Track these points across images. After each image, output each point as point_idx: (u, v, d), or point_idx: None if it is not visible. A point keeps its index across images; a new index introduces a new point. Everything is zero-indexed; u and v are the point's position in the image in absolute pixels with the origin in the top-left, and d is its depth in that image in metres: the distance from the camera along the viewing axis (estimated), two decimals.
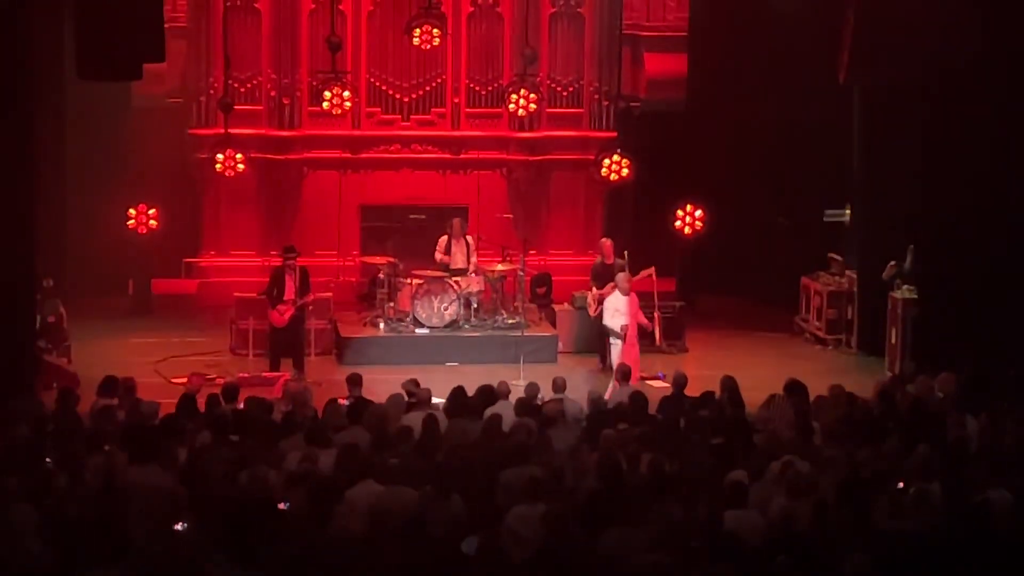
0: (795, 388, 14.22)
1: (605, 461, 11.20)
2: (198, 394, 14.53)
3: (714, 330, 21.93)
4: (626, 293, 17.89)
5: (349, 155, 23.49)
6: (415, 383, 14.29)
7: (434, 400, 14.21)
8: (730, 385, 14.51)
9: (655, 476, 11.08)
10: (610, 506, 10.09)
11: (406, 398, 14.08)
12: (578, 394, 15.13)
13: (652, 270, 19.66)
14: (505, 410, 13.57)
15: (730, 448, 12.22)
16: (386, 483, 10.89)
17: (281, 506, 10.29)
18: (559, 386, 14.57)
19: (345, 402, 14.12)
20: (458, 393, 14.05)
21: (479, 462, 11.58)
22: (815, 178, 23.12)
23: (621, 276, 18.25)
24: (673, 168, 23.20)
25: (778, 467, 11.17)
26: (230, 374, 18.27)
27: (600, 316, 19.20)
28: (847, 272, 21.59)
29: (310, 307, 19.46)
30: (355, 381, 14.61)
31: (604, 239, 20.25)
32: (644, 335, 18.58)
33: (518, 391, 14.67)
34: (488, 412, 13.49)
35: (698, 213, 22.56)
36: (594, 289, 19.84)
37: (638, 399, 13.98)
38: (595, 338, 19.82)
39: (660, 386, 17.92)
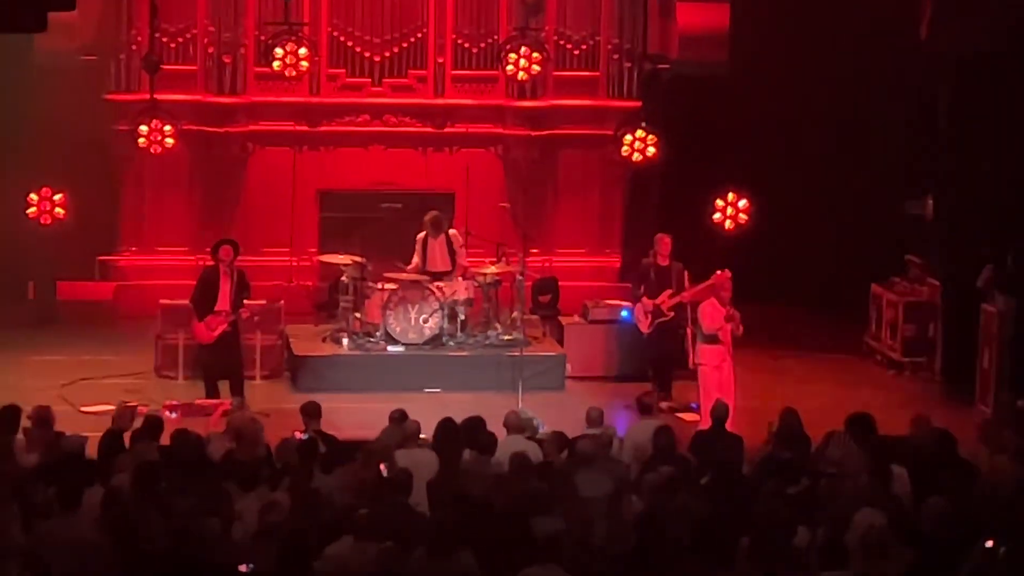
0: (860, 424, 14.17)
1: (643, 512, 11.22)
2: (128, 431, 14.38)
3: (761, 349, 21.84)
4: (725, 303, 17.90)
5: (306, 128, 23.58)
6: (403, 414, 14.25)
7: (421, 436, 14.18)
8: (791, 420, 14.51)
9: (704, 532, 11.10)
10: (648, 569, 10.07)
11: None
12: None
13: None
14: (515, 448, 13.49)
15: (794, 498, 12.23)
16: (369, 538, 10.95)
17: (243, 568, 10.29)
18: (594, 419, 14.47)
19: (302, 436, 14.09)
20: (448, 427, 14.02)
21: (498, 511, 11.69)
22: (889, 161, 23.20)
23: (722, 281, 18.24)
24: (711, 147, 23.30)
25: (859, 522, 11.17)
26: (154, 401, 18.25)
27: (654, 333, 19.35)
28: (929, 279, 21.65)
29: (255, 318, 19.39)
30: (312, 411, 14.59)
31: (661, 235, 19.88)
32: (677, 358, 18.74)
33: None
34: (506, 450, 13.48)
35: (742, 203, 22.54)
36: (646, 299, 19.65)
37: (663, 435, 13.87)
38: (639, 363, 19.93)
39: (693, 419, 18.01)
